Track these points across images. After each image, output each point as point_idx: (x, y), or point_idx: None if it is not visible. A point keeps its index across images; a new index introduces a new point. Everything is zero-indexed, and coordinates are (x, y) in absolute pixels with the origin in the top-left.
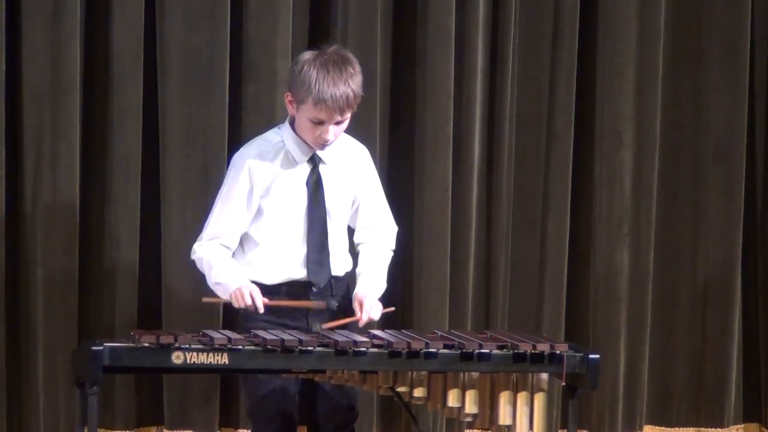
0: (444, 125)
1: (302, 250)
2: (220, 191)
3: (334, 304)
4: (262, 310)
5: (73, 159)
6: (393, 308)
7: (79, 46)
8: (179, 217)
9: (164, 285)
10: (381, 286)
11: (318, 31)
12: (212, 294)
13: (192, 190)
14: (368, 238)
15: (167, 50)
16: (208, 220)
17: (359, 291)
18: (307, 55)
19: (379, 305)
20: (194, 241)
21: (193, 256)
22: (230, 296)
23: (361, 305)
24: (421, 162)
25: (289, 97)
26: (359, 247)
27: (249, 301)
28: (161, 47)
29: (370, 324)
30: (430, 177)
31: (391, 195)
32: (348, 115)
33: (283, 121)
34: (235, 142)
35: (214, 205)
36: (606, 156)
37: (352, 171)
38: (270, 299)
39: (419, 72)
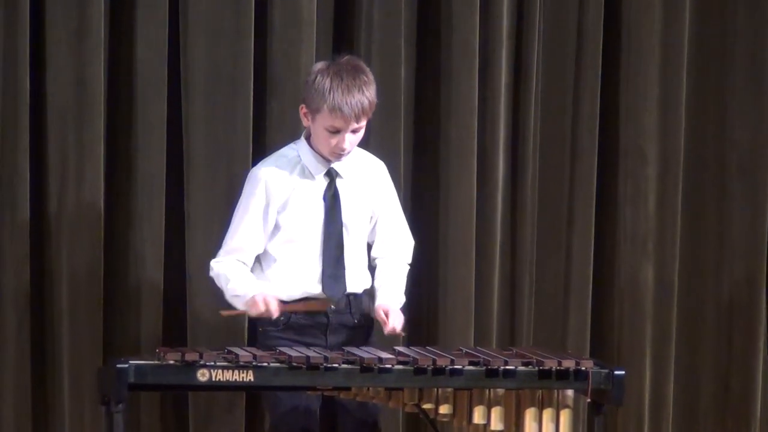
0: (468, 142)
1: (319, 265)
2: (236, 207)
3: (334, 303)
4: (275, 315)
5: (97, 177)
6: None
7: (103, 64)
8: (204, 234)
9: (189, 303)
10: (401, 299)
11: (342, 47)
12: (231, 308)
13: (217, 208)
14: (385, 252)
15: (191, 68)
16: (225, 239)
17: (382, 302)
18: (320, 65)
19: (402, 317)
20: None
21: (211, 273)
22: (246, 305)
23: (387, 314)
24: (446, 179)
25: (304, 109)
26: (376, 261)
27: (263, 308)
28: (185, 65)
29: (395, 340)
30: (454, 194)
31: (416, 212)
32: (363, 123)
33: (298, 137)
34: (260, 159)
35: (230, 222)
36: (630, 173)
37: (370, 185)
38: (283, 306)
39: (444, 88)
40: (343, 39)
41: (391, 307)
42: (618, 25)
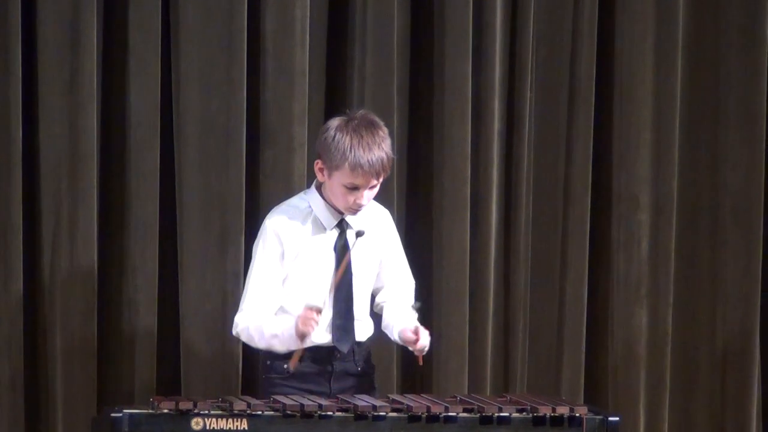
0: (461, 188)
1: (327, 315)
2: (252, 262)
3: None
4: (318, 320)
5: (90, 226)
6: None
7: (96, 114)
8: (197, 282)
9: (183, 351)
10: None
11: (334, 97)
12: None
13: (210, 256)
14: (391, 297)
15: (184, 117)
16: (245, 291)
17: (406, 324)
18: (337, 121)
19: (427, 334)
20: (217, 307)
21: (236, 330)
22: (297, 329)
23: (416, 332)
24: (438, 225)
25: (320, 164)
26: (383, 305)
27: (316, 318)
28: (178, 113)
29: (389, 389)
30: (448, 240)
31: (410, 259)
32: (381, 179)
33: (307, 187)
34: (253, 208)
35: (249, 275)
36: (623, 219)
37: (377, 236)
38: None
39: (436, 136)
40: (335, 88)
41: (418, 325)
42: (611, 72)
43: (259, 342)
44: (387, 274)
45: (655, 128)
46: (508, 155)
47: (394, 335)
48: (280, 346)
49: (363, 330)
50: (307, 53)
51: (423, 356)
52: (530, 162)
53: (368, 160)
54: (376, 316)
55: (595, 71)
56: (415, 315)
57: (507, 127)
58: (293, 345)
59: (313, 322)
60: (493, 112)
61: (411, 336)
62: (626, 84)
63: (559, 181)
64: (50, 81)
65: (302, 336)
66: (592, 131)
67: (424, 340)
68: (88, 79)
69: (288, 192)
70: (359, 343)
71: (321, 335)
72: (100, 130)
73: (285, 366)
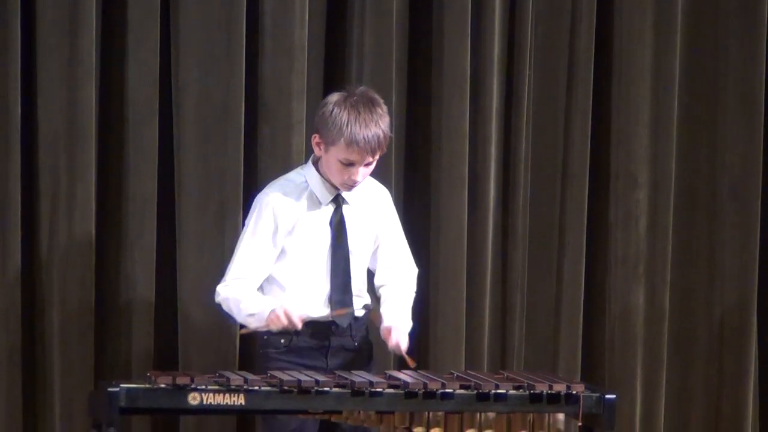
0: (459, 167)
1: (324, 290)
2: (243, 232)
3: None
4: (299, 326)
5: (88, 201)
6: (415, 363)
7: (94, 90)
8: (195, 258)
9: (180, 326)
10: (408, 322)
11: (333, 74)
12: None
13: (208, 232)
14: (389, 280)
15: (183, 93)
16: (231, 262)
17: (387, 323)
18: (336, 96)
19: (406, 338)
20: (215, 283)
21: (218, 299)
22: (266, 321)
23: (389, 333)
24: (436, 204)
25: (317, 139)
26: (381, 290)
27: (285, 321)
28: (177, 90)
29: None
30: (445, 218)
31: (407, 237)
32: (377, 156)
33: (305, 162)
34: (251, 184)
35: (237, 247)
36: (621, 197)
37: (374, 212)
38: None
39: (434, 113)
40: (334, 64)
41: (394, 326)
42: (609, 50)
43: (236, 316)
44: (383, 251)
45: (653, 107)
46: (507, 133)
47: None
48: (258, 324)
49: (359, 305)
50: (306, 30)
51: (413, 357)
52: (528, 140)
53: (364, 137)
54: (377, 298)
55: (593, 50)
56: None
57: (505, 105)
58: (264, 327)
59: (283, 324)
60: (492, 90)
61: (385, 336)
62: (625, 63)
63: (557, 159)
64: (49, 57)
65: (267, 325)
66: (590, 110)
67: (395, 336)
68: (87, 56)
69: (286, 168)
70: (356, 319)
71: (319, 309)
72: (99, 106)
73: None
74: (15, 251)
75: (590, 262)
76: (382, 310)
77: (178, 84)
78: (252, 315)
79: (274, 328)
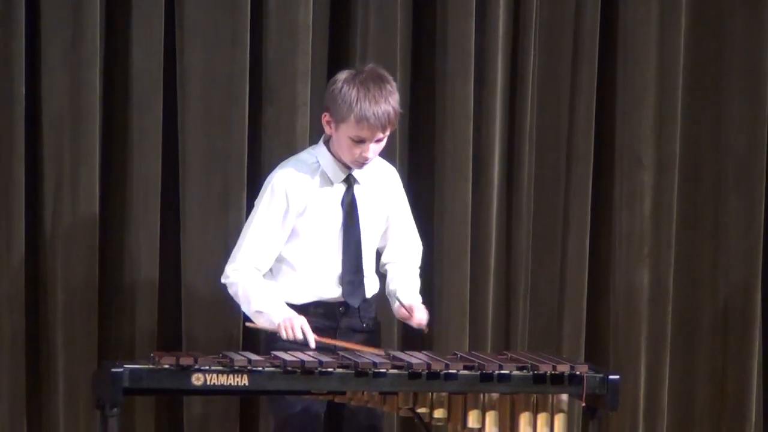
0: (464, 145)
1: (336, 270)
2: (253, 212)
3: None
4: (313, 345)
5: (93, 182)
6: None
7: (98, 71)
8: (199, 239)
9: (184, 307)
10: (418, 298)
11: (338, 53)
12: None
13: (212, 212)
14: (397, 257)
15: (187, 74)
16: (241, 242)
17: (404, 301)
18: (345, 74)
19: (426, 314)
20: (219, 264)
21: (226, 280)
22: (277, 326)
23: (410, 311)
24: (440, 182)
25: (327, 117)
26: (387, 266)
27: (300, 335)
28: (181, 71)
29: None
30: (450, 198)
31: (412, 215)
32: (388, 133)
33: (316, 142)
34: (255, 166)
35: (247, 227)
36: (626, 177)
37: (384, 191)
38: (320, 336)
39: (439, 92)
40: (338, 45)
41: (415, 305)
42: (614, 31)
43: (243, 306)
44: (393, 231)
45: (658, 87)
46: (511, 113)
47: (393, 308)
48: (264, 322)
49: (370, 286)
50: (311, 11)
51: (428, 325)
52: (533, 120)
53: (374, 113)
54: (382, 276)
55: (598, 29)
56: (414, 290)
57: (510, 84)
58: (271, 327)
59: (297, 338)
60: (496, 69)
61: (405, 314)
62: (630, 43)
63: (562, 139)
64: (53, 37)
65: (277, 329)
66: (595, 90)
67: (419, 315)
68: (91, 36)
69: (290, 150)
70: (366, 300)
71: (331, 290)
72: (103, 86)
73: None
74: (19, 233)
75: (594, 242)
76: (393, 286)
77: (183, 65)
78: (260, 312)
79: (284, 336)
